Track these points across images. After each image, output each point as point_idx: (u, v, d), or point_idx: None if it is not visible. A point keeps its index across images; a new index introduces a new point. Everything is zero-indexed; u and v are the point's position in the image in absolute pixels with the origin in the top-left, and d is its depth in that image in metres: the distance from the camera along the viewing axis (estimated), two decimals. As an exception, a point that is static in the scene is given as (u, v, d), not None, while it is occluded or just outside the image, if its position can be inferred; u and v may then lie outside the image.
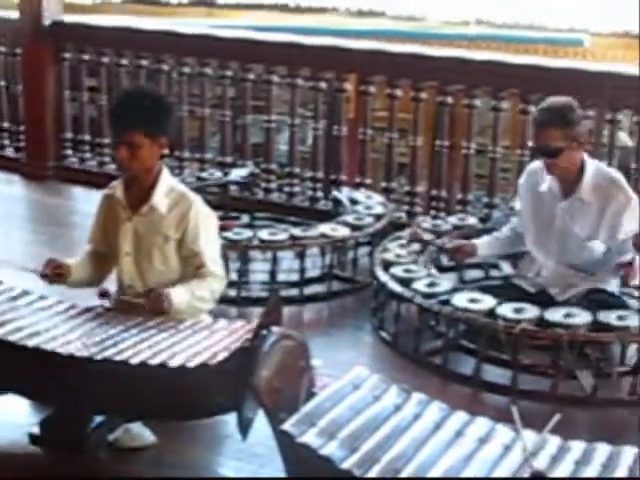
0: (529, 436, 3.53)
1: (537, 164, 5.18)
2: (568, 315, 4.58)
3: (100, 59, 7.63)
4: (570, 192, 4.97)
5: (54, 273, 4.39)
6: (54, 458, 4.10)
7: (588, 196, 4.93)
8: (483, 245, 5.25)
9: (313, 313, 5.56)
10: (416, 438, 3.52)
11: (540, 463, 3.39)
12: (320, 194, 6.92)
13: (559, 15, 9.87)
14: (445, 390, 4.47)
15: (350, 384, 3.76)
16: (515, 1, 10.17)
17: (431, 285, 4.94)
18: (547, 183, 5.04)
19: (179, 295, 4.20)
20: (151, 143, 4.31)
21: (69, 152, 7.89)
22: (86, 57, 7.69)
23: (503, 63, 6.57)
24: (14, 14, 7.81)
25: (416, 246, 5.43)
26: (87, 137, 7.87)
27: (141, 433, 4.12)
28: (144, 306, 4.22)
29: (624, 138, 6.60)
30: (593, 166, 5.01)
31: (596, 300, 4.80)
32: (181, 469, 4.02)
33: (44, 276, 4.40)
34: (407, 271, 5.10)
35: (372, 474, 3.29)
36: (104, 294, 4.50)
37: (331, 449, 3.37)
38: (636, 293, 5.27)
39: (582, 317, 4.57)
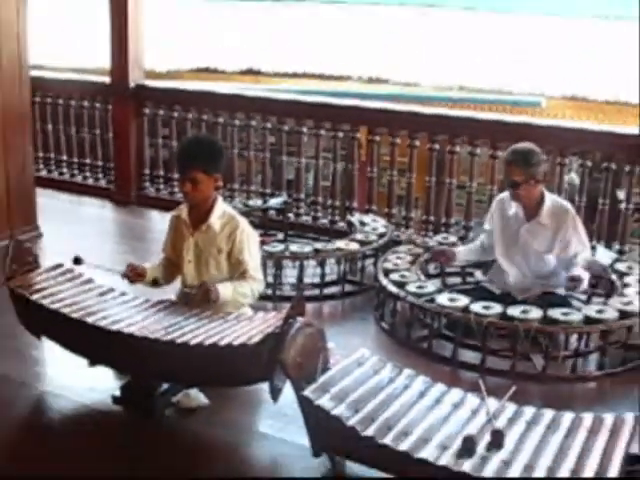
0: (492, 403, 3.56)
1: (505, 194, 5.21)
2: (525, 311, 4.59)
3: (171, 114, 7.66)
4: (532, 216, 5.01)
5: (134, 274, 4.44)
6: (131, 415, 4.14)
7: (546, 220, 4.97)
8: (461, 252, 5.29)
9: (330, 308, 5.56)
10: (405, 403, 3.56)
11: (499, 423, 3.41)
12: (337, 217, 6.94)
13: (522, 82, 9.87)
14: (430, 368, 4.44)
15: (356, 362, 3.79)
16: (487, 71, 10.17)
17: (420, 287, 4.95)
18: (513, 209, 5.07)
19: (224, 289, 4.23)
20: (208, 178, 4.35)
21: (147, 184, 7.91)
22: (161, 112, 7.72)
23: (477, 119, 6.59)
24: (107, 79, 7.87)
25: (409, 258, 5.46)
26: (161, 172, 7.89)
27: (197, 396, 4.15)
28: (196, 296, 4.26)
29: (573, 178, 6.60)
30: (550, 197, 5.05)
31: (547, 300, 4.80)
32: (227, 425, 4.05)
33: (126, 276, 4.45)
34: (402, 277, 5.11)
35: (370, 430, 3.33)
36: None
37: (340, 410, 3.41)
38: (580, 296, 5.28)
39: (535, 313, 4.58)
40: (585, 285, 4.86)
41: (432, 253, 5.45)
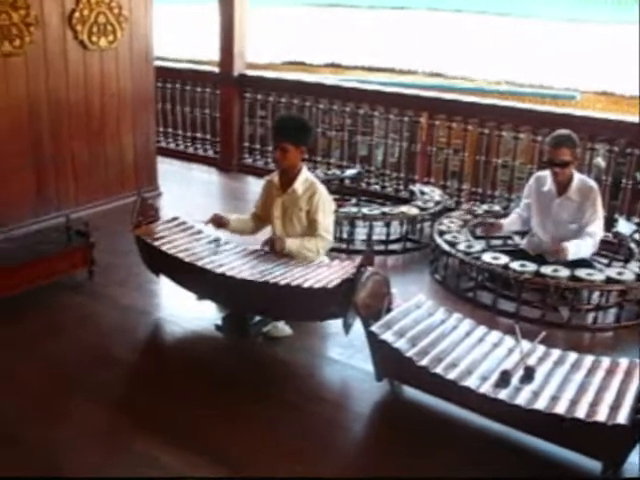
0: (525, 344, 3.54)
1: (541, 173, 5.10)
2: (555, 270, 4.51)
3: (267, 98, 7.66)
4: (562, 192, 4.89)
5: (217, 222, 4.46)
6: (230, 340, 4.21)
7: (574, 196, 4.85)
8: (505, 224, 5.17)
9: (393, 261, 5.53)
10: (453, 341, 3.56)
11: (531, 361, 3.39)
12: (401, 187, 6.88)
13: (560, 79, 9.63)
14: (474, 313, 4.41)
15: (414, 305, 3.80)
16: (530, 68, 9.92)
17: (468, 247, 4.90)
18: (548, 185, 4.95)
19: (291, 242, 4.26)
20: (295, 149, 4.34)
21: (246, 155, 7.94)
22: (259, 97, 7.73)
23: (522, 109, 6.44)
24: (216, 69, 7.91)
25: (460, 222, 5.39)
26: (257, 146, 7.90)
27: (283, 328, 4.21)
28: (266, 245, 4.30)
29: (599, 161, 6.41)
30: (578, 176, 4.92)
31: (573, 262, 4.71)
32: (306, 351, 4.09)
33: (210, 222, 4.47)
34: (454, 237, 5.06)
35: (425, 361, 3.33)
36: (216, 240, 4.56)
37: (400, 344, 3.43)
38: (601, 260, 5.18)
39: (564, 272, 4.49)
40: (569, 256, 4.65)
41: (483, 225, 5.35)
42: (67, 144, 6.01)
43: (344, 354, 4.02)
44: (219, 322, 4.25)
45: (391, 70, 11.02)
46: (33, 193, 5.82)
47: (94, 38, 6.00)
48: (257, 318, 4.21)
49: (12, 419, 3.45)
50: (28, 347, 4.11)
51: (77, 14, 5.83)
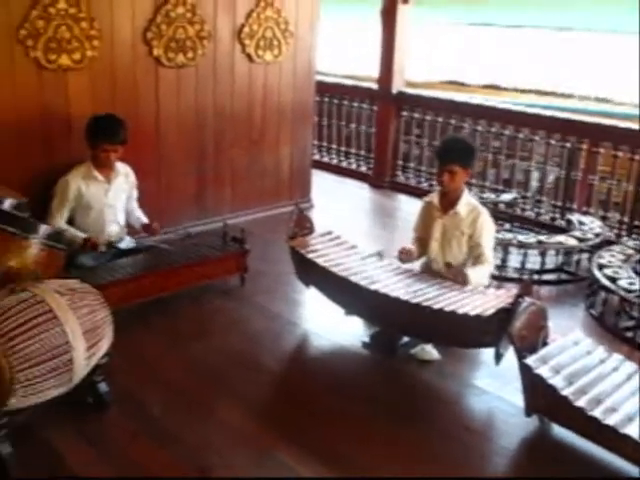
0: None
1: None
2: None
3: (424, 117, 7.64)
4: None
5: (406, 255, 4.41)
6: (376, 358, 4.20)
7: None
8: None
9: (547, 292, 5.32)
10: (613, 383, 3.40)
11: None
12: (558, 215, 6.65)
13: None
14: (633, 355, 4.18)
15: (571, 341, 3.67)
16: None
17: (630, 284, 4.66)
18: None
19: (473, 275, 4.16)
20: (463, 171, 4.32)
21: (399, 173, 7.94)
22: (416, 115, 7.72)
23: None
24: (374, 85, 7.97)
25: (622, 257, 5.14)
26: (411, 164, 7.89)
27: (431, 351, 4.15)
28: (448, 274, 4.22)
29: None
30: None
31: None
32: (453, 378, 4.01)
33: (400, 259, 4.42)
34: (615, 272, 4.83)
35: (581, 401, 3.20)
36: (379, 254, 4.53)
37: (556, 380, 3.32)
38: None
39: None
40: None
41: None
42: (227, 153, 6.23)
43: (493, 384, 3.91)
44: (366, 339, 4.26)
45: (552, 93, 10.71)
46: (193, 198, 6.07)
47: (260, 52, 6.20)
48: (405, 339, 4.19)
49: (164, 414, 3.59)
50: (181, 344, 4.28)
51: (246, 29, 6.04)
